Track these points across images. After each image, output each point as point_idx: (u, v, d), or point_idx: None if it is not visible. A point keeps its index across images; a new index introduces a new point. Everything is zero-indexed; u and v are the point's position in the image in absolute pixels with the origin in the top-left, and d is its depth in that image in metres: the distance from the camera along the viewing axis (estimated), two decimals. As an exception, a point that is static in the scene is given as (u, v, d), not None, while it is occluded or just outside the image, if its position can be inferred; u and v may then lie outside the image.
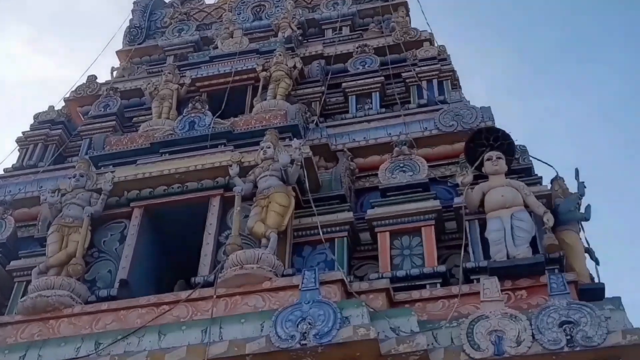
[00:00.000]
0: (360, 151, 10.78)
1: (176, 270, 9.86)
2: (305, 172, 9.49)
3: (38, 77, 35.51)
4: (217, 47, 13.52)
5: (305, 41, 13.95)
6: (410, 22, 14.07)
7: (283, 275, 8.46)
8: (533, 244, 8.53)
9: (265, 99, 11.60)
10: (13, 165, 12.43)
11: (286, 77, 11.94)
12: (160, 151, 10.63)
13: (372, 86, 12.09)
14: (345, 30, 14.16)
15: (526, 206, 8.79)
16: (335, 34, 14.07)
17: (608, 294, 8.18)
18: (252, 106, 11.73)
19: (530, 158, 10.08)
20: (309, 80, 12.53)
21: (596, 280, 8.72)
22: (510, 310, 7.31)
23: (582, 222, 9.17)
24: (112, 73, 14.22)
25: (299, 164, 9.37)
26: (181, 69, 13.05)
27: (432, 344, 7.29)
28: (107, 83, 13.64)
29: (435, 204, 9.30)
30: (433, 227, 9.18)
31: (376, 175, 10.09)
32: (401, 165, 9.95)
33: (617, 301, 7.33)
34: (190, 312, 8.27)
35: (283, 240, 8.98)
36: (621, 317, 7.15)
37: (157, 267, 9.83)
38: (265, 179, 9.27)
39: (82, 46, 37.89)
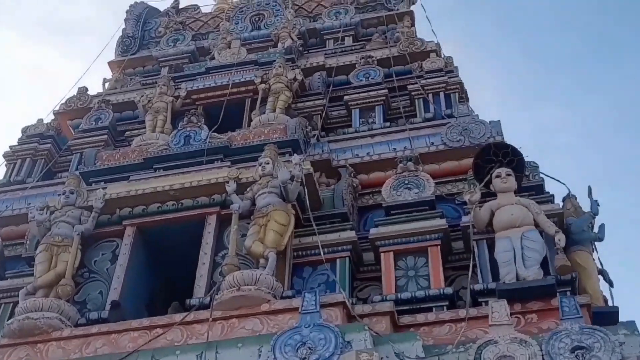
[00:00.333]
0: (363, 167, 10.81)
1: (170, 292, 9.87)
2: (305, 189, 9.49)
3: (27, 88, 35.59)
4: (213, 58, 13.57)
5: (306, 52, 14.00)
6: (415, 32, 14.08)
7: (282, 297, 8.44)
8: (544, 265, 8.51)
9: (264, 113, 11.63)
10: (0, 181, 12.45)
11: (286, 90, 11.97)
12: (154, 167, 10.65)
13: (376, 99, 12.11)
14: (348, 41, 14.21)
15: (537, 225, 8.78)
16: (338, 44, 14.12)
17: (622, 317, 8.18)
18: (250, 120, 11.75)
19: (541, 175, 10.09)
20: (310, 93, 12.55)
21: (610, 303, 8.73)
22: (520, 334, 7.29)
23: (596, 242, 9.17)
24: (104, 85, 14.30)
25: (299, 180, 9.38)
26: (176, 80, 13.06)
27: (438, 369, 7.29)
28: (98, 95, 13.69)
29: (441, 223, 9.31)
30: (439, 247, 9.17)
31: (380, 192, 10.10)
32: (406, 182, 9.97)
33: (631, 325, 7.32)
34: (185, 335, 8.25)
35: (282, 260, 8.97)
36: (636, 342, 7.12)
37: (151, 289, 9.84)
38: (263, 196, 9.28)
39: (73, 56, 38.01)
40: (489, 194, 9.31)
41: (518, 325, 7.86)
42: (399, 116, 11.84)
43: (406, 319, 8.37)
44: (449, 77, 12.22)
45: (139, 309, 9.28)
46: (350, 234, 9.41)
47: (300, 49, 13.78)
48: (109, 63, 14.98)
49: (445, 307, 8.60)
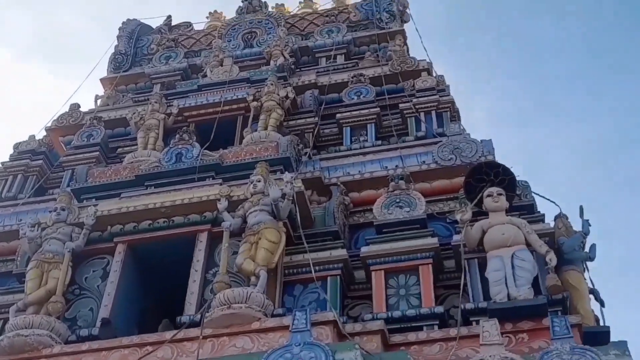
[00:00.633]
0: (354, 185, 10.81)
1: (161, 309, 9.85)
2: (297, 207, 9.49)
3: (18, 104, 35.55)
4: (206, 76, 13.60)
5: (298, 70, 14.04)
6: (408, 51, 14.15)
7: (273, 316, 8.43)
8: (535, 284, 8.51)
9: (256, 130, 11.64)
10: (-9, 197, 12.43)
11: (278, 108, 11.99)
12: (145, 184, 10.64)
13: (368, 117, 12.15)
14: (340, 59, 14.27)
15: (528, 245, 8.79)
16: (330, 62, 14.18)
17: (613, 337, 8.15)
18: (242, 137, 11.77)
19: (533, 194, 10.11)
20: (302, 111, 12.58)
21: (601, 323, 8.73)
22: (510, 354, 7.31)
23: (587, 262, 9.18)
24: (96, 101, 14.31)
25: (291, 198, 9.39)
26: (168, 98, 13.08)
27: (429, 389, 7.29)
28: (90, 112, 13.69)
29: (433, 241, 9.31)
30: (430, 265, 9.16)
31: (371, 210, 10.11)
32: (397, 200, 9.99)
33: (623, 346, 7.34)
34: (175, 353, 8.22)
35: (273, 278, 8.98)
36: (627, 363, 7.16)
37: (141, 306, 9.82)
38: (255, 214, 9.28)
39: (65, 72, 38.02)
40: (480, 213, 9.32)
41: (509, 344, 7.84)
42: (391, 134, 11.86)
43: (397, 338, 8.33)
44: (440, 96, 12.26)
45: (129, 326, 9.26)
46: (342, 252, 9.40)
47: (292, 66, 13.82)
48: (101, 80, 15.00)
49: (436, 326, 8.57)
